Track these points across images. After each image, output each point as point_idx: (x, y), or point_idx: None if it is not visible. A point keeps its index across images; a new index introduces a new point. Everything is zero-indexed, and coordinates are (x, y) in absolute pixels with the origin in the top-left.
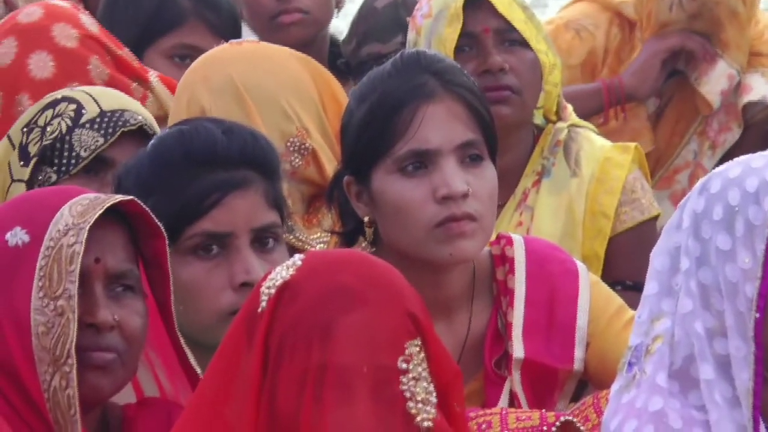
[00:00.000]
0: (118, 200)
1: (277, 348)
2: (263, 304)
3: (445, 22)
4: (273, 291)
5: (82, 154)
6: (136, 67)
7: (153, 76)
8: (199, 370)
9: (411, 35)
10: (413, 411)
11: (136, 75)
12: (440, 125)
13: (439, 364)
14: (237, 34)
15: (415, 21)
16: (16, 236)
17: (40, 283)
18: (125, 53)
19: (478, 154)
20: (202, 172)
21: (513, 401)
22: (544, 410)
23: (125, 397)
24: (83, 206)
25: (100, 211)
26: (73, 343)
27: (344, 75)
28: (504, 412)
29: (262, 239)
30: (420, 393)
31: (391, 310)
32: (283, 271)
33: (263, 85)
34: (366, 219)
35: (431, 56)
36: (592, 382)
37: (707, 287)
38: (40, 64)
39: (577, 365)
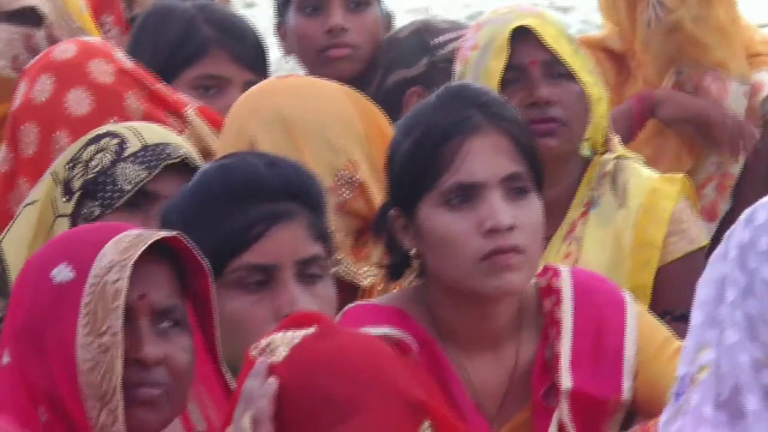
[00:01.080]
0: (162, 236)
1: None
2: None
3: (492, 54)
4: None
5: (126, 187)
6: (171, 101)
7: (190, 109)
8: None
9: (458, 67)
10: None
11: (172, 109)
12: (485, 158)
13: None
14: (263, 64)
15: (462, 53)
16: (62, 273)
17: (85, 320)
18: (160, 87)
19: (523, 186)
20: (245, 206)
21: None
22: None
23: (174, 431)
24: (127, 243)
25: (143, 248)
26: (119, 379)
27: None
28: None
29: (307, 272)
30: None
31: (388, 407)
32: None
33: (311, 118)
34: (413, 252)
35: (476, 89)
36: (640, 412)
37: (754, 318)
38: (78, 101)
39: (626, 395)
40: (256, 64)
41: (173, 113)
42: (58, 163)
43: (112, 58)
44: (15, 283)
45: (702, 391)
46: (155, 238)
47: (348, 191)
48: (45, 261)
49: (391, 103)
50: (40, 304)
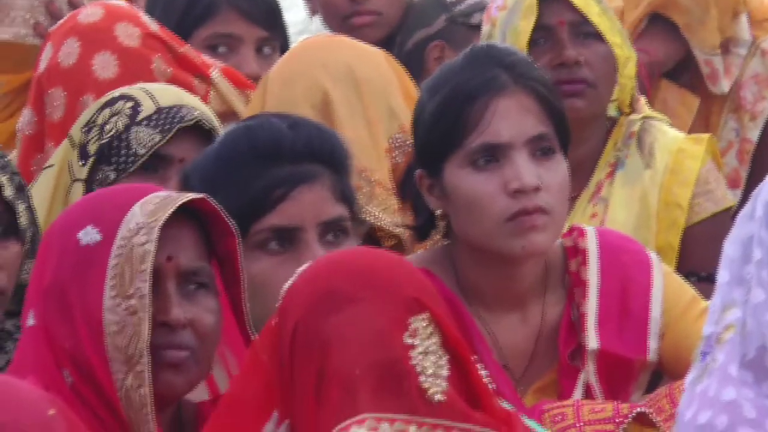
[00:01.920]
0: (189, 198)
1: (286, 356)
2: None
3: (520, 14)
4: (280, 301)
5: (140, 151)
6: (197, 63)
7: (215, 71)
8: None
9: (485, 28)
10: (425, 385)
11: (198, 71)
12: (512, 119)
13: (452, 338)
14: (276, 20)
15: (489, 13)
16: (88, 235)
17: (112, 283)
18: (186, 50)
19: (549, 147)
20: (268, 167)
21: (588, 392)
22: (618, 401)
23: (200, 394)
24: (154, 205)
25: (171, 210)
26: (146, 342)
27: None
28: (578, 403)
29: (331, 233)
30: (429, 367)
31: (381, 300)
32: (289, 281)
33: (377, 79)
34: (438, 212)
35: (502, 49)
36: (666, 372)
37: None
38: (104, 65)
39: (651, 356)
40: (267, 21)
41: (199, 75)
42: (75, 127)
43: (138, 21)
44: (40, 245)
45: (728, 350)
46: (183, 200)
47: (400, 155)
48: (71, 223)
49: (413, 64)
50: (66, 267)
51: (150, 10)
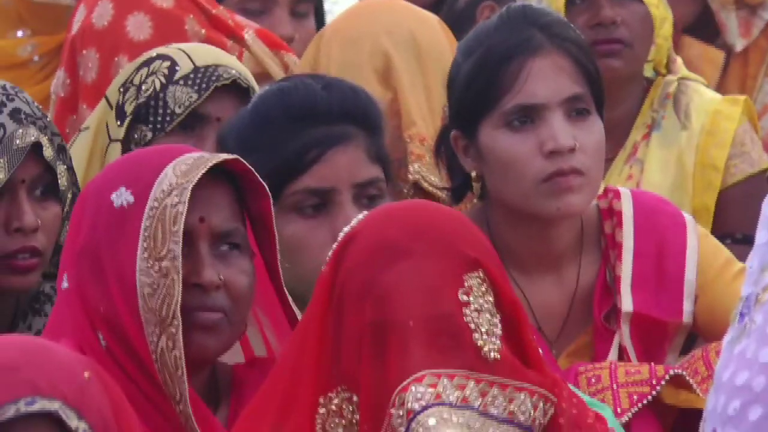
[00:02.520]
0: (222, 159)
1: (336, 307)
2: (326, 263)
3: None
4: (333, 251)
5: (177, 110)
6: (231, 25)
7: (249, 32)
8: None
9: None
10: (479, 342)
11: (232, 33)
12: (547, 79)
13: (506, 298)
14: None
15: None
16: (121, 197)
17: (145, 244)
18: (220, 11)
19: (585, 107)
20: (302, 128)
21: (622, 355)
22: (653, 363)
23: (234, 356)
24: (187, 165)
25: (203, 171)
26: (178, 304)
27: None
28: (613, 365)
29: (365, 194)
30: (484, 324)
31: (438, 255)
32: (344, 231)
33: (437, 48)
34: (473, 174)
35: (538, 10)
36: (701, 334)
37: None
38: (138, 26)
39: (686, 318)
40: None
41: (232, 36)
42: (112, 87)
43: None
44: (74, 207)
45: (766, 310)
46: (215, 161)
47: None
48: (104, 185)
49: (464, 24)
50: (99, 228)
51: None
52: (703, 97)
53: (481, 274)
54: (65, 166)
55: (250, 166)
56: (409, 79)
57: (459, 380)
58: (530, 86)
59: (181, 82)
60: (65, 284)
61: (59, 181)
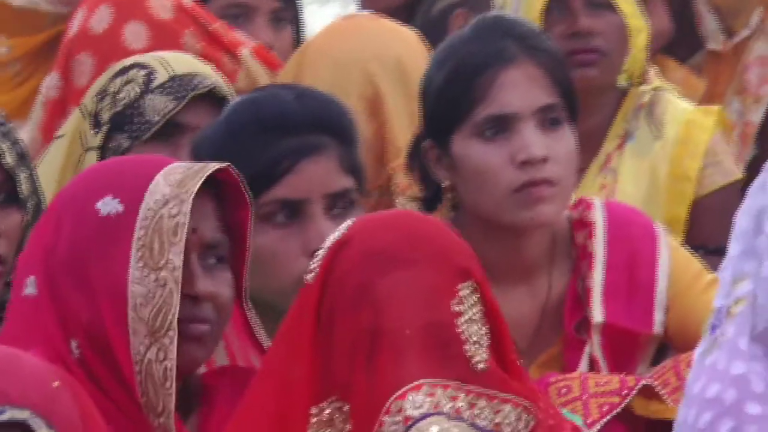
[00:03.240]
0: (215, 168)
1: (327, 314)
2: (315, 270)
3: None
4: (323, 258)
5: (154, 119)
6: (228, 41)
7: (245, 49)
8: (266, 342)
9: None
10: (470, 353)
11: (228, 49)
12: (519, 89)
13: (492, 308)
14: None
15: None
16: (108, 206)
17: (139, 254)
18: (218, 27)
19: (557, 118)
20: (274, 139)
21: (593, 365)
22: (623, 374)
23: None
24: (180, 175)
25: (201, 181)
26: (176, 315)
27: None
28: (584, 376)
29: (337, 205)
30: (473, 335)
31: (433, 265)
32: (333, 237)
33: (419, 71)
34: (446, 184)
35: (511, 20)
36: (672, 345)
37: None
38: (135, 35)
39: (657, 329)
40: None
41: (229, 53)
42: (88, 96)
43: None
44: (47, 215)
45: (738, 323)
46: (210, 171)
47: None
48: (86, 193)
49: (437, 32)
50: (82, 236)
51: None
52: (676, 107)
53: (472, 285)
54: (26, 174)
55: (239, 176)
56: (396, 108)
57: (452, 391)
58: (503, 96)
59: (158, 90)
60: (29, 291)
61: (20, 189)
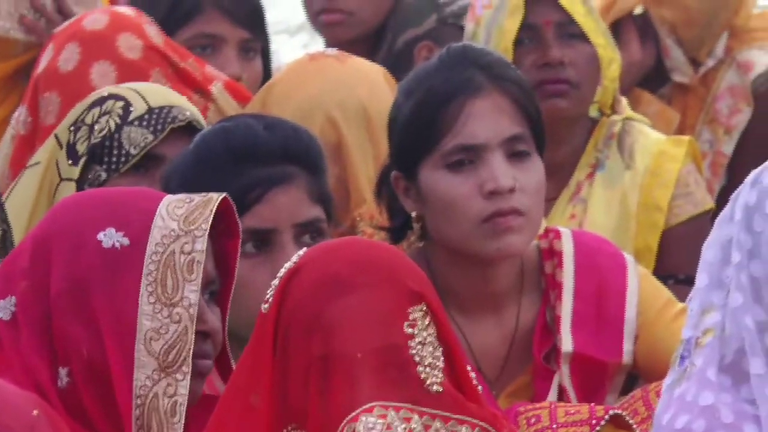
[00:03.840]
0: (219, 200)
1: (282, 342)
2: (269, 300)
3: (506, 13)
4: (276, 287)
5: (132, 151)
6: (198, 78)
7: (217, 85)
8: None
9: (469, 26)
10: (423, 375)
11: (199, 86)
12: (487, 120)
13: (446, 331)
14: (259, 21)
15: (474, 11)
16: (112, 238)
17: (150, 289)
18: (189, 64)
19: (525, 148)
20: (243, 169)
21: (562, 395)
22: (593, 404)
23: None
24: (183, 209)
25: (211, 216)
26: (191, 351)
27: None
28: (553, 406)
29: (306, 234)
30: (427, 357)
31: (384, 288)
32: (286, 267)
33: (383, 113)
34: (414, 214)
35: (478, 50)
36: (641, 374)
37: (758, 280)
38: (102, 75)
39: (626, 358)
40: (251, 22)
41: (199, 91)
42: (62, 126)
43: (142, 32)
44: (30, 242)
45: (706, 354)
46: (215, 204)
47: None
48: (83, 223)
49: (402, 63)
50: (84, 267)
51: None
52: (647, 137)
53: (424, 308)
54: None
55: (233, 206)
56: (360, 154)
57: (405, 413)
58: (470, 127)
59: (136, 123)
60: (4, 316)
61: None
